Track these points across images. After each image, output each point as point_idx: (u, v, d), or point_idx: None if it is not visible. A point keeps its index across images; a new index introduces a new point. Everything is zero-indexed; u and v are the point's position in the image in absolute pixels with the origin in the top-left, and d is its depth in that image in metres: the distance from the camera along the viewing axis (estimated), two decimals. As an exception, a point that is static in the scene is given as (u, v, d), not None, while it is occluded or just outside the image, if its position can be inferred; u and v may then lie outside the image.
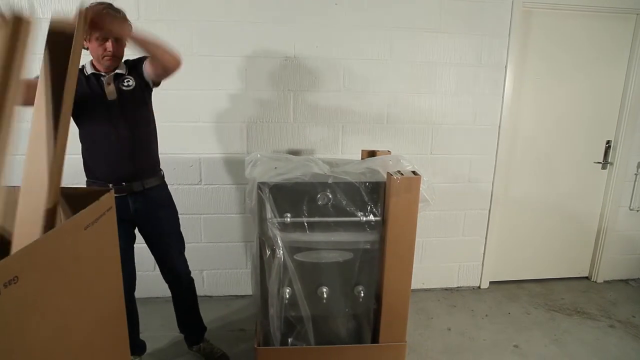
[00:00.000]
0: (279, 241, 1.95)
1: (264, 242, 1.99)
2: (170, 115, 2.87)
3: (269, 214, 1.96)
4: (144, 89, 2.18)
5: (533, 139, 3.40)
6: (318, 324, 2.08)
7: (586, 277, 3.78)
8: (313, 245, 2.01)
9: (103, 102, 2.07)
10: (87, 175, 2.19)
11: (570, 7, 3.14)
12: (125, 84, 2.11)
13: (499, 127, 3.26)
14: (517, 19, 3.08)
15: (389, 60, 3.04)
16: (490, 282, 3.59)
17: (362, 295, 2.08)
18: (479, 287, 3.57)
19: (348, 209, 2.00)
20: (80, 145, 2.16)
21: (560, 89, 3.33)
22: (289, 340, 2.11)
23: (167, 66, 2.05)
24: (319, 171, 2.11)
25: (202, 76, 2.89)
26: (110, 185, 2.09)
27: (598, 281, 3.71)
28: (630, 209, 3.60)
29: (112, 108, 2.08)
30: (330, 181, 1.99)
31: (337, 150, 3.14)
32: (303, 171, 2.05)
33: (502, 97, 3.21)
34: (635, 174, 3.53)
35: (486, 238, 3.48)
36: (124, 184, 2.14)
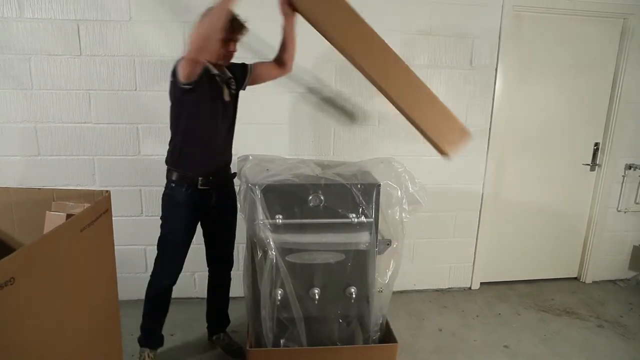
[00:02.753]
0: (270, 242, 1.95)
1: (256, 243, 1.99)
2: (166, 117, 2.86)
3: (260, 216, 1.96)
4: (238, 94, 2.35)
5: (523, 141, 3.44)
6: (310, 325, 2.09)
7: (575, 278, 3.82)
8: (305, 246, 2.02)
9: (220, 102, 2.20)
10: (175, 166, 2.25)
11: (559, 11, 3.18)
12: (234, 87, 2.28)
13: (490, 129, 3.29)
14: (507, 22, 3.12)
15: (381, 62, 3.06)
16: (481, 283, 3.62)
17: (354, 296, 2.09)
18: (470, 288, 3.60)
19: (339, 210, 2.01)
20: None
21: (550, 92, 3.37)
22: (281, 341, 2.11)
23: (287, 68, 2.41)
24: (311, 173, 2.12)
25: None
26: (200, 178, 2.21)
27: (587, 282, 3.75)
28: (618, 210, 3.65)
29: (225, 108, 2.24)
30: (322, 183, 2.00)
31: (329, 152, 3.16)
32: (295, 172, 2.06)
33: (493, 100, 3.24)
34: (623, 176, 3.58)
35: (477, 239, 3.50)
36: (210, 177, 2.24)
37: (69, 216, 1.23)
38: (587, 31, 3.30)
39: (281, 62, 2.40)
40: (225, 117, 2.27)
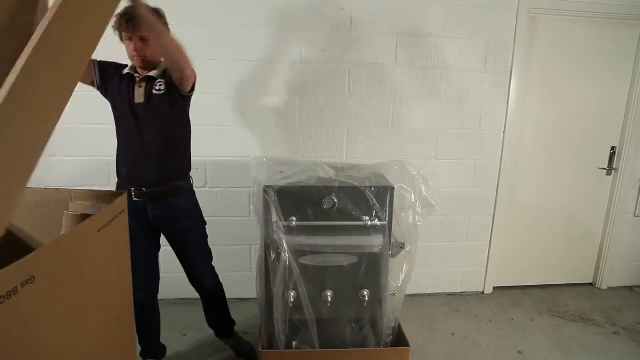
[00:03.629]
0: (284, 244, 1.96)
1: (269, 245, 2.00)
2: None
3: (274, 218, 1.96)
4: (176, 95, 2.15)
5: (538, 144, 3.40)
6: (322, 328, 2.09)
7: (590, 284, 3.77)
8: (318, 249, 2.02)
9: (131, 104, 2.10)
10: (117, 175, 2.22)
11: (576, 13, 3.15)
12: (157, 87, 2.12)
13: (504, 132, 3.26)
14: (522, 24, 3.10)
15: (394, 65, 3.06)
16: (494, 288, 3.59)
17: (367, 299, 2.09)
18: (483, 292, 3.57)
19: (353, 213, 2.00)
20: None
21: (565, 95, 3.34)
22: (294, 343, 2.12)
23: (178, 64, 2.03)
24: (325, 175, 2.12)
25: (207, 80, 2.90)
26: (133, 189, 2.11)
27: (602, 288, 3.70)
28: (635, 216, 3.59)
29: (139, 110, 2.10)
30: (335, 185, 2.00)
31: (342, 155, 3.16)
32: (308, 175, 2.06)
33: (507, 103, 3.22)
34: (640, 181, 3.53)
35: (490, 243, 3.48)
36: (143, 189, 2.13)
37: (84, 217, 1.24)
38: (603, 34, 3.27)
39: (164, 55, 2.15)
40: (144, 120, 2.11)
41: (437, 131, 3.20)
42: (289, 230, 1.98)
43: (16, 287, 0.80)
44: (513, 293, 3.57)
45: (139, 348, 2.35)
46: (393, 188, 2.03)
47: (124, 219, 1.36)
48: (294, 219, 1.98)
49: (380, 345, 2.18)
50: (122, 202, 1.33)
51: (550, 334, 3.00)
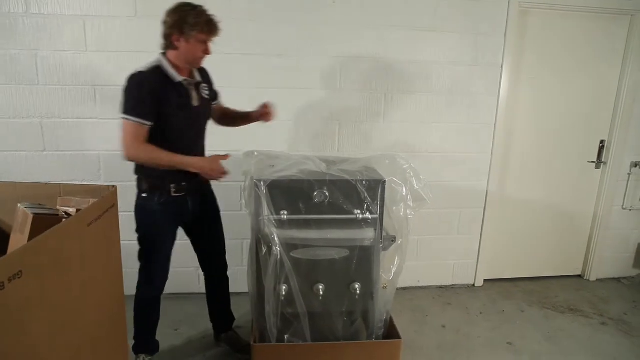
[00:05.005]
0: (275, 238, 1.96)
1: (261, 239, 2.00)
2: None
3: (265, 211, 1.96)
4: (211, 99, 2.31)
5: (528, 138, 3.43)
6: (314, 321, 2.10)
7: (579, 276, 3.81)
8: (309, 242, 2.02)
9: (190, 107, 2.14)
10: (145, 175, 2.15)
11: (566, 7, 3.17)
12: (205, 91, 2.24)
13: (495, 126, 3.28)
14: (513, 18, 3.10)
15: (384, 58, 3.06)
16: (485, 280, 3.62)
17: (358, 292, 2.10)
18: (474, 284, 3.60)
19: (344, 206, 2.01)
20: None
21: (555, 89, 3.36)
22: (286, 337, 2.12)
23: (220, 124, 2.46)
24: (316, 169, 2.12)
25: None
26: (173, 185, 2.14)
27: (591, 279, 3.74)
28: (623, 208, 3.63)
29: (194, 112, 2.17)
30: (327, 179, 2.00)
31: (333, 148, 3.16)
32: (300, 168, 2.06)
33: (498, 97, 3.23)
34: (629, 174, 3.56)
35: (481, 236, 3.50)
36: (183, 183, 2.17)
37: (36, 215, 1.18)
38: (593, 28, 3.28)
39: (224, 121, 2.50)
40: (196, 121, 2.22)
41: (427, 125, 3.21)
42: (281, 224, 1.98)
43: (3, 282, 0.79)
44: (503, 285, 3.61)
45: (131, 343, 2.35)
46: (384, 181, 2.03)
47: (114, 213, 1.35)
48: (285, 212, 1.98)
49: (371, 338, 2.19)
50: (112, 196, 1.32)
51: (540, 325, 3.04)
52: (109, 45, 2.80)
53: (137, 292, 2.29)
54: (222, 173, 2.11)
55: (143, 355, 2.38)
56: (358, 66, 3.05)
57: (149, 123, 1.99)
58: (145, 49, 2.80)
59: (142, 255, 2.25)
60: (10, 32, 2.71)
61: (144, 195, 2.16)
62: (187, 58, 2.07)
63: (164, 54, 2.10)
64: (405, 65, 3.09)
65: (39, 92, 2.81)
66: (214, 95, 2.37)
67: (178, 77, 2.07)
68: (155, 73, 2.03)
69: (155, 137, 2.04)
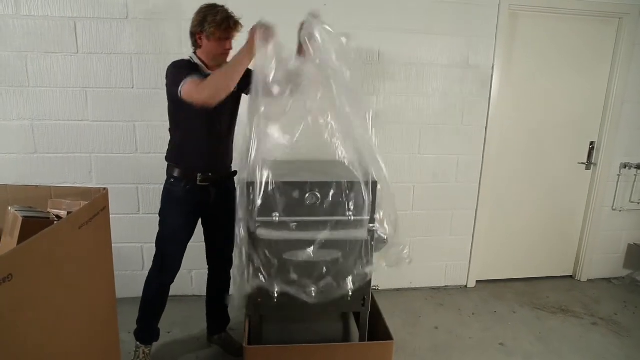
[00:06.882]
0: (267, 240, 1.96)
1: (252, 241, 2.00)
2: (164, 115, 2.86)
3: (257, 213, 1.97)
4: (238, 93, 2.29)
5: (519, 139, 3.45)
6: (307, 322, 2.10)
7: (570, 276, 3.84)
8: (301, 244, 2.03)
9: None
10: (175, 162, 2.28)
11: (555, 10, 3.20)
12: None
13: (486, 127, 3.30)
14: (503, 21, 3.13)
15: (377, 61, 3.07)
16: (477, 281, 3.64)
17: (350, 293, 2.10)
18: (466, 286, 3.62)
19: (336, 208, 2.01)
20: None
21: (546, 91, 3.39)
22: (278, 338, 2.13)
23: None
24: (308, 171, 2.13)
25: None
26: (199, 174, 2.24)
27: (582, 280, 3.77)
28: (613, 209, 3.67)
29: (218, 105, 2.12)
30: (319, 180, 2.00)
31: (325, 152, 3.15)
32: (291, 171, 2.07)
33: (489, 98, 3.25)
34: (618, 175, 3.60)
35: (473, 237, 3.52)
36: (210, 174, 2.27)
37: (25, 219, 1.17)
38: (582, 30, 3.32)
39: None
40: (223, 115, 2.27)
41: (419, 127, 3.22)
42: (272, 226, 1.99)
43: (-7, 285, 0.79)
44: (495, 286, 3.63)
45: (126, 340, 2.36)
46: (376, 183, 2.04)
47: (106, 215, 1.34)
48: (277, 214, 1.99)
49: (364, 339, 2.20)
50: (103, 199, 1.31)
51: (532, 325, 3.06)
52: (100, 48, 2.79)
53: (148, 279, 2.37)
54: (267, 28, 2.06)
55: (143, 347, 2.42)
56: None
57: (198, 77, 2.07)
58: (137, 51, 2.82)
59: (159, 241, 2.33)
60: (0, 34, 2.70)
61: (172, 180, 2.28)
62: (210, 55, 2.18)
63: (194, 52, 2.23)
64: (397, 67, 3.10)
65: (30, 94, 2.80)
66: (243, 85, 2.24)
67: (207, 71, 2.16)
68: (190, 62, 2.20)
69: (178, 120, 2.23)
